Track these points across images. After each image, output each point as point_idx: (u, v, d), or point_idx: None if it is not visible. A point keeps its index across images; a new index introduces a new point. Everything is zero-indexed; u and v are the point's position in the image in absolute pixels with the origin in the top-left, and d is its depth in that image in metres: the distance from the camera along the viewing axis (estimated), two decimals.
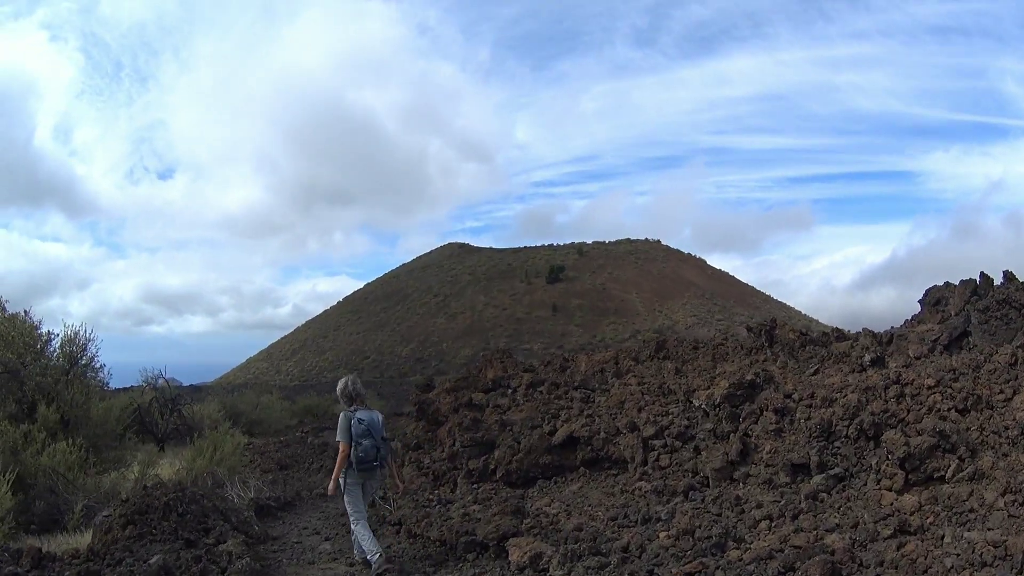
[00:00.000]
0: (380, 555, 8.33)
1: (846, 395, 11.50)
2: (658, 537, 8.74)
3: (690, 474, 11.72)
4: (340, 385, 8.81)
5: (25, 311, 18.98)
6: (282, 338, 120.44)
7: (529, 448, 14.02)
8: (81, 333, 19.36)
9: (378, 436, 8.46)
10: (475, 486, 13.85)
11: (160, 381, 30.08)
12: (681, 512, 9.71)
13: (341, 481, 8.63)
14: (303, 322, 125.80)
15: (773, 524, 9.01)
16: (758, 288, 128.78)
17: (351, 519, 8.74)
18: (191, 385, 60.17)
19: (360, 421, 8.38)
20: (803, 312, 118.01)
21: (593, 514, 10.68)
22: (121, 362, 30.22)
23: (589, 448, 13.69)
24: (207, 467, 18.18)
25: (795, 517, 9.12)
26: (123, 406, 20.50)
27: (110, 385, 31.06)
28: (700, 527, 8.87)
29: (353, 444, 8.41)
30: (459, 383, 19.29)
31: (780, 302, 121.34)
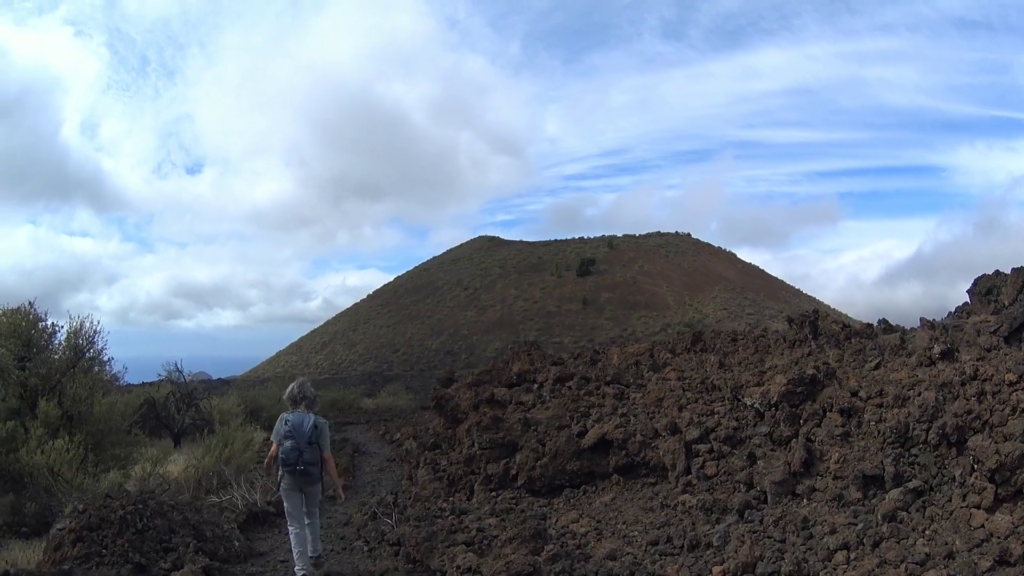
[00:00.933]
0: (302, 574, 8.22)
1: (920, 393, 9.75)
2: (711, 573, 7.03)
3: (743, 486, 9.99)
4: (289, 387, 8.54)
5: (30, 303, 17.68)
6: (312, 331, 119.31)
7: (555, 452, 12.42)
8: (87, 325, 18.08)
9: (302, 440, 8.05)
10: (494, 494, 12.32)
11: (177, 375, 28.71)
12: (737, 537, 8.02)
13: (279, 486, 8.47)
14: (333, 315, 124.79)
15: (852, 555, 7.31)
16: (788, 282, 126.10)
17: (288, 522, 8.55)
18: (219, 379, 59.30)
19: (286, 422, 8.13)
20: (832, 306, 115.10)
21: (629, 536, 9.06)
22: (149, 356, 29.08)
23: (623, 453, 12.04)
24: (214, 465, 16.79)
25: (876, 544, 7.44)
26: (130, 401, 19.05)
27: (126, 380, 29.94)
28: (763, 559, 7.19)
29: (280, 444, 8.20)
30: (482, 377, 17.70)
31: (809, 296, 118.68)
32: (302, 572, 8.20)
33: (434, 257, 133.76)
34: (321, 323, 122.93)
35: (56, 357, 17.38)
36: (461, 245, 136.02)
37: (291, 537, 8.35)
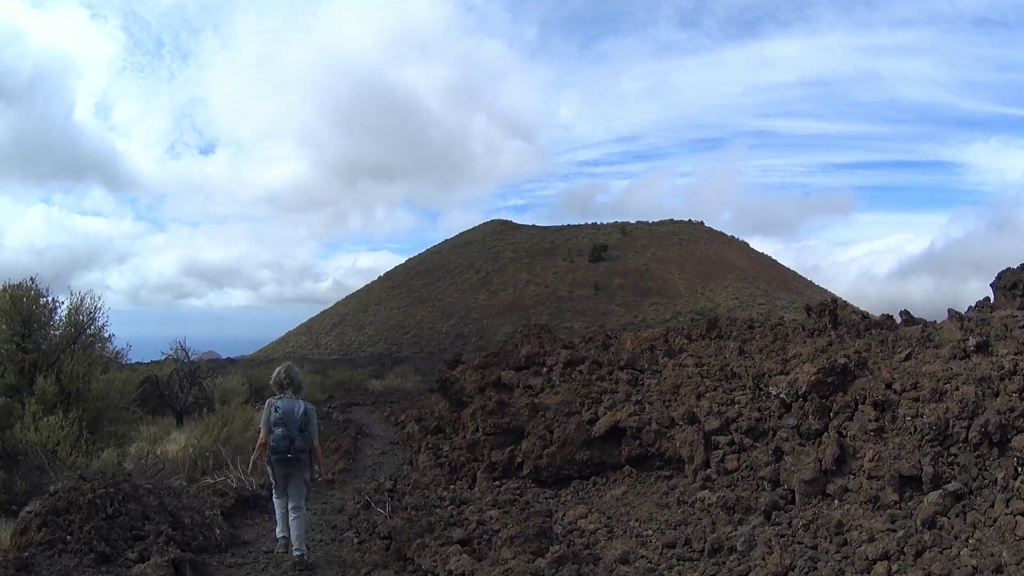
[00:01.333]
0: (283, 538, 8.32)
1: (958, 387, 8.90)
2: None
3: (768, 484, 9.12)
4: (275, 372, 8.38)
5: (31, 278, 17.05)
6: (322, 312, 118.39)
7: (564, 439, 11.64)
8: (88, 301, 17.46)
9: (293, 427, 7.90)
10: (497, 483, 11.58)
11: (181, 353, 28.05)
12: (764, 541, 7.16)
13: (267, 468, 8.39)
14: (343, 296, 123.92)
15: (893, 567, 6.46)
16: (800, 273, 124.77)
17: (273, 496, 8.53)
18: (228, 358, 58.62)
19: (276, 409, 7.96)
20: (844, 299, 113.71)
21: (642, 535, 8.25)
22: (159, 336, 28.43)
23: (637, 443, 11.23)
24: (211, 445, 16.12)
25: (919, 554, 6.60)
26: (130, 378, 18.37)
27: (132, 358, 29.41)
28: (794, 568, 6.37)
29: (270, 432, 8.01)
30: (489, 359, 17.01)
31: (821, 287, 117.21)
32: (282, 537, 8.32)
33: (446, 240, 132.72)
34: (332, 304, 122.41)
35: (56, 333, 16.74)
36: (473, 228, 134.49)
37: (275, 503, 8.47)
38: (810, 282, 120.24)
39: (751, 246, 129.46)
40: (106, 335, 18.52)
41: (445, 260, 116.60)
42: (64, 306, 16.85)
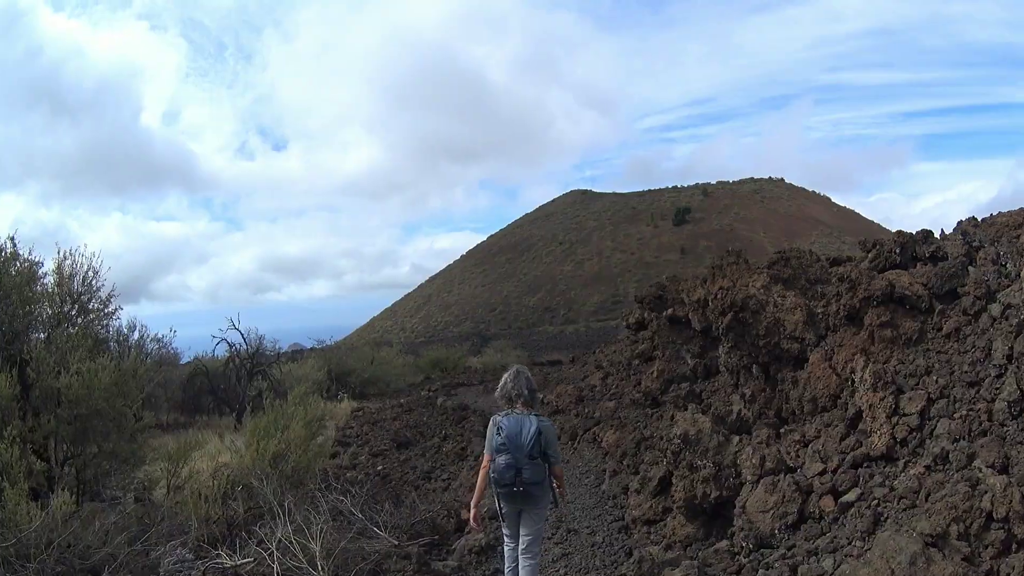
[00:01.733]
0: None
1: None
2: None
3: None
4: (501, 380, 6.39)
5: (11, 237, 11.20)
6: (406, 295, 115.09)
7: None
8: (79, 261, 11.31)
9: (520, 453, 5.89)
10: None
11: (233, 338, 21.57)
12: None
13: (495, 503, 6.32)
14: (426, 278, 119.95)
15: None
16: (883, 225, 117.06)
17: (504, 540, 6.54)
18: (312, 347, 53.25)
19: (500, 430, 5.99)
20: None
21: None
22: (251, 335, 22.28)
23: None
24: (251, 468, 9.60)
25: None
26: (138, 370, 11.63)
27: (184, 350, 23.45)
28: None
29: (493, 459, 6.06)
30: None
31: None
32: None
33: (526, 214, 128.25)
34: (415, 287, 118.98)
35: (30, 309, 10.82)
36: (553, 200, 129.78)
37: (504, 552, 6.44)
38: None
39: (833, 200, 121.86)
40: (110, 309, 12.37)
41: (527, 234, 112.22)
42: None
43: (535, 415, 6.12)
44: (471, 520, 6.45)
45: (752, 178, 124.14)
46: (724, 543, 6.72)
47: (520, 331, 76.42)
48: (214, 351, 22.90)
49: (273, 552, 6.56)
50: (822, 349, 8.30)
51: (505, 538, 6.42)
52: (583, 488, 9.67)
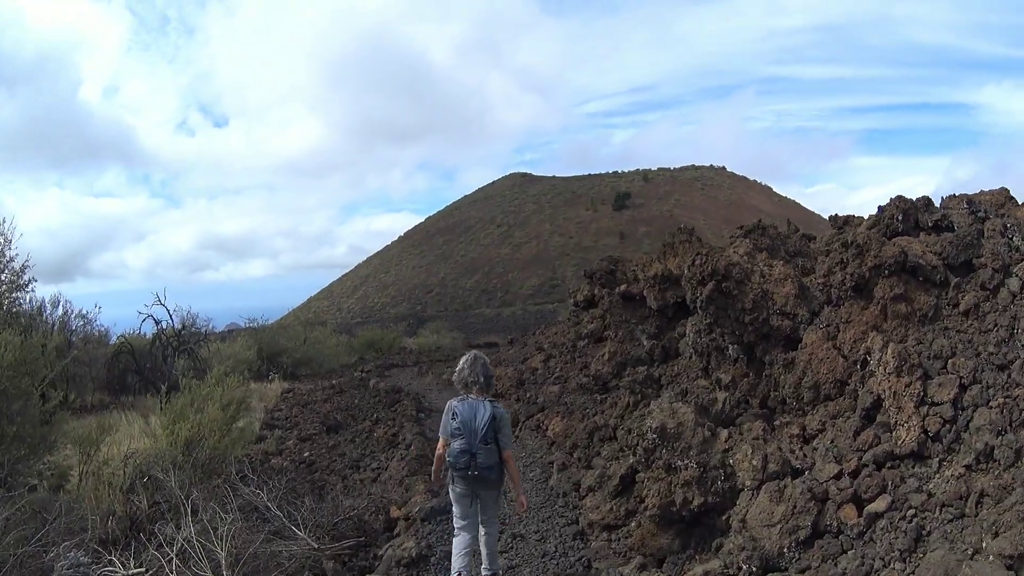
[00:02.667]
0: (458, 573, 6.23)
1: None
2: None
3: None
4: (458, 364, 6.42)
5: None
6: (343, 276, 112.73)
7: None
8: None
9: (474, 438, 5.96)
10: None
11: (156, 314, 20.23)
12: None
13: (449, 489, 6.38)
14: (364, 259, 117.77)
15: None
16: (823, 216, 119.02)
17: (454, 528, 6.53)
18: (247, 327, 51.63)
19: (454, 415, 6.06)
20: None
21: None
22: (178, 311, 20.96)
23: None
24: (167, 452, 8.62)
25: None
26: (42, 346, 10.48)
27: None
28: None
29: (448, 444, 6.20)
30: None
31: None
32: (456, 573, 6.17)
33: (465, 196, 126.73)
34: (352, 267, 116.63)
35: None
36: (493, 183, 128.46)
37: (454, 542, 6.32)
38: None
39: (774, 190, 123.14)
40: (23, 280, 11.22)
41: (465, 216, 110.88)
42: None
43: (490, 401, 6.16)
44: (434, 481, 6.53)
45: (693, 165, 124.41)
46: (716, 564, 5.50)
47: (457, 313, 75.34)
48: (140, 328, 21.57)
49: (172, 558, 5.64)
50: (821, 326, 7.18)
51: (456, 528, 6.38)
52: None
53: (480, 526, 6.36)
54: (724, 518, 5.98)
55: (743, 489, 5.95)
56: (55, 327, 18.57)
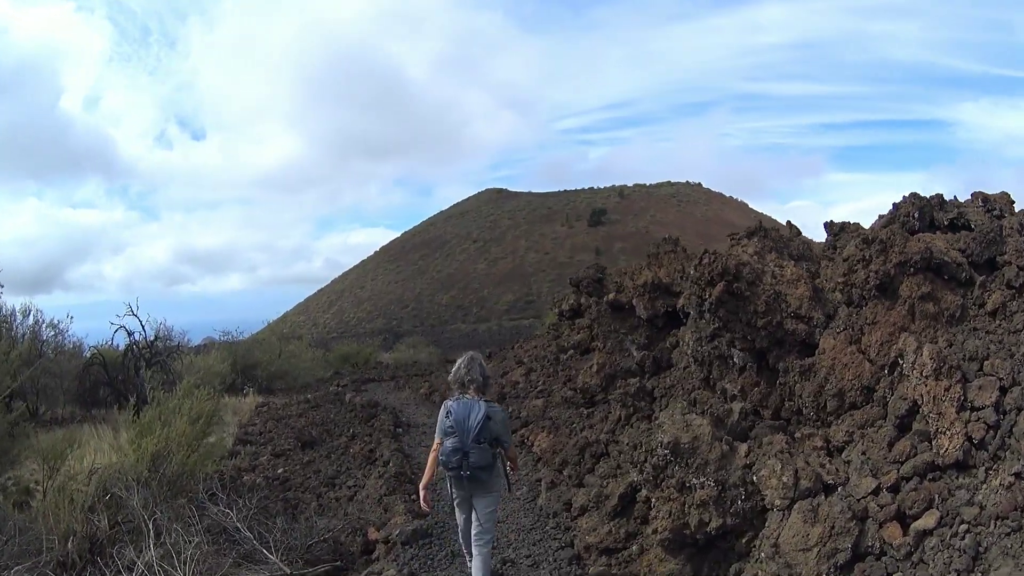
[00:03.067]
0: None
1: None
2: None
3: None
4: (455, 365, 6.37)
5: None
6: (318, 291, 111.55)
7: None
8: None
9: (467, 437, 5.87)
10: None
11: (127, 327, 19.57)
12: None
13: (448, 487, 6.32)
14: (339, 274, 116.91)
15: None
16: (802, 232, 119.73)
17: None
18: (224, 340, 50.92)
19: (448, 414, 6.01)
20: None
21: None
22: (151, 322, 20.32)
23: None
24: (124, 472, 8.08)
25: None
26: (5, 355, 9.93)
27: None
28: None
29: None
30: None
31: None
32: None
33: (441, 211, 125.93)
34: (328, 282, 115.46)
35: None
36: (469, 198, 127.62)
37: (461, 533, 6.28)
38: (811, 241, 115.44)
39: (750, 206, 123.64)
40: None
41: (441, 231, 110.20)
42: None
43: (485, 401, 6.08)
44: (421, 502, 6.25)
45: (669, 182, 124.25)
46: None
47: (432, 328, 75.11)
48: (112, 339, 20.89)
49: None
50: (840, 329, 6.59)
51: (459, 524, 6.31)
52: (515, 503, 8.21)
53: (473, 537, 6.14)
54: (743, 541, 5.41)
55: (771, 509, 5.36)
56: (25, 337, 17.95)
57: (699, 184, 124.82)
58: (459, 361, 6.38)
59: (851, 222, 9.57)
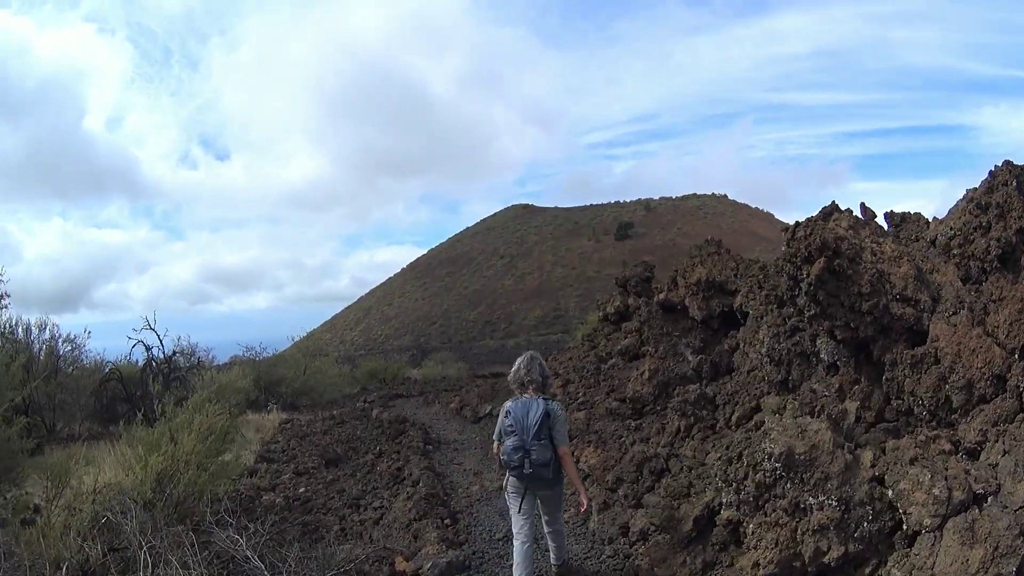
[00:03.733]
0: None
1: None
2: None
3: None
4: (515, 365, 6.34)
5: None
6: (346, 308, 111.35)
7: None
8: None
9: (527, 435, 5.88)
10: None
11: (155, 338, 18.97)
12: None
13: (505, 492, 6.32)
14: (366, 291, 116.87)
15: None
16: None
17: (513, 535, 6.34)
18: (245, 356, 50.75)
19: (507, 414, 6.04)
20: None
21: None
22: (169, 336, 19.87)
23: None
24: (124, 493, 7.29)
25: None
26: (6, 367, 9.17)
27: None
28: None
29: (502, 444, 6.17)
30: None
31: None
32: None
33: (467, 228, 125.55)
34: (355, 299, 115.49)
35: None
36: (495, 214, 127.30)
37: (514, 553, 6.02)
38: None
39: (776, 217, 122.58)
40: None
41: (468, 248, 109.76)
42: None
43: (544, 398, 6.07)
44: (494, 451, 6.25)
45: (695, 194, 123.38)
46: None
47: (460, 344, 74.43)
48: (130, 353, 20.32)
49: None
50: (951, 312, 5.47)
51: (515, 534, 6.13)
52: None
53: (544, 525, 6.32)
54: (866, 571, 4.29)
55: (919, 531, 4.19)
56: (41, 352, 17.39)
57: (725, 196, 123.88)
58: (518, 361, 6.34)
59: (912, 212, 8.77)
